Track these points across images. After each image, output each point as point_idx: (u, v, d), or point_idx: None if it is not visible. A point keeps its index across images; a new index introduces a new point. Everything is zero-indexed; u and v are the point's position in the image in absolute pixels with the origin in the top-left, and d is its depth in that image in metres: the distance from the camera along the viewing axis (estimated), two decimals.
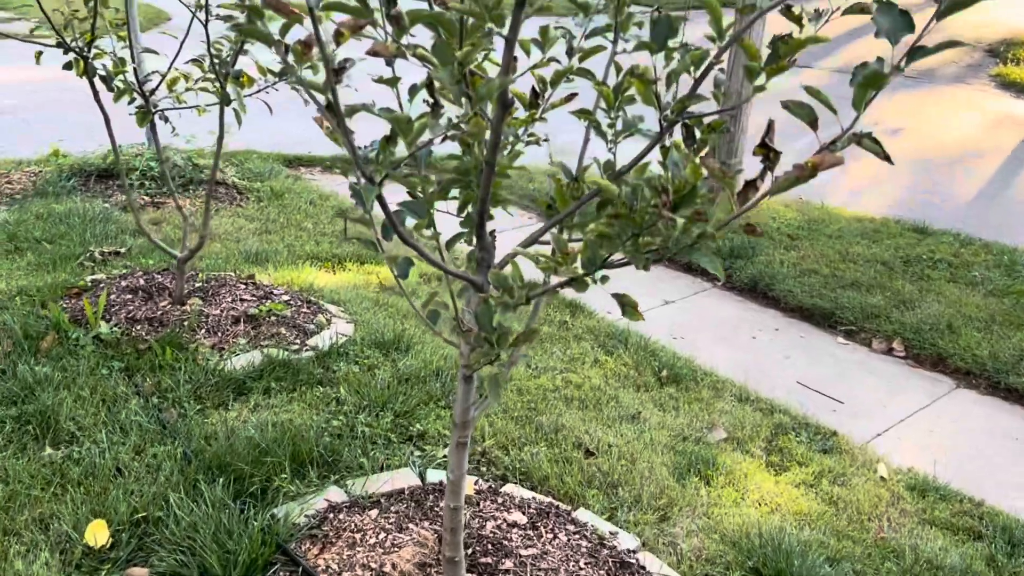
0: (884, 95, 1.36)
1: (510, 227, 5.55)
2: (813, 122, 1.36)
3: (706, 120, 1.73)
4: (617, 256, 1.52)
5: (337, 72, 1.51)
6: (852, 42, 11.70)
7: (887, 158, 1.31)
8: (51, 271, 3.85)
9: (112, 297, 3.47)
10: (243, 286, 3.76)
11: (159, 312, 3.35)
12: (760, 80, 1.55)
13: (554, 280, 1.63)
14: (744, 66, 1.58)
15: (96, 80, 3.17)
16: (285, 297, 3.75)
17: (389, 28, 1.63)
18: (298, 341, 3.38)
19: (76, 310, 3.35)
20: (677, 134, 1.72)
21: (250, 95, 3.30)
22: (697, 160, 1.44)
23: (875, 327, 4.88)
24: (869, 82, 1.24)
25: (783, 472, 3.24)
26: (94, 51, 3.12)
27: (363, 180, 1.56)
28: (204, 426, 2.67)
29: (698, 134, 1.73)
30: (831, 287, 5.27)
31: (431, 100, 1.54)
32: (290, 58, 1.47)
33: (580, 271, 1.55)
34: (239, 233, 5.14)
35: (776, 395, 4.01)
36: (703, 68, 1.62)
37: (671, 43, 1.70)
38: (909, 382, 4.41)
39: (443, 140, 1.49)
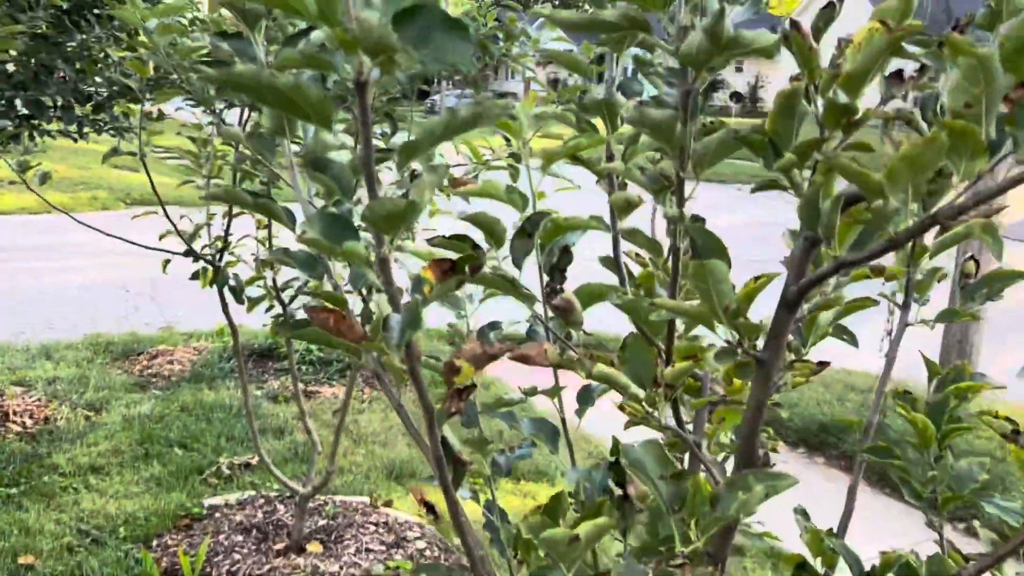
0: None
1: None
2: None
3: None
4: None
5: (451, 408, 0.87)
6: None
7: None
8: (170, 490, 3.41)
9: (221, 537, 2.94)
10: (372, 526, 3.13)
11: (267, 567, 2.76)
12: None
13: None
14: None
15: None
16: (421, 543, 3.08)
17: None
18: None
19: (176, 556, 2.83)
20: None
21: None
22: None
23: None
24: None
25: None
26: (227, 258, 2.74)
27: None
28: None
29: None
30: None
31: (618, 491, 0.84)
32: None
33: None
34: (388, 434, 4.61)
35: None
36: None
37: None
38: None
39: None
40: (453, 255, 1.03)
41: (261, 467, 3.80)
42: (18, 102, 3.54)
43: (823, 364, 1.37)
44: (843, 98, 0.80)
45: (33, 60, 3.43)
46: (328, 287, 0.98)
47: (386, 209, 0.65)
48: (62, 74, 3.43)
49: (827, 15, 0.86)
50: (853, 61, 0.79)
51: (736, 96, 38.21)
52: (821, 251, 0.87)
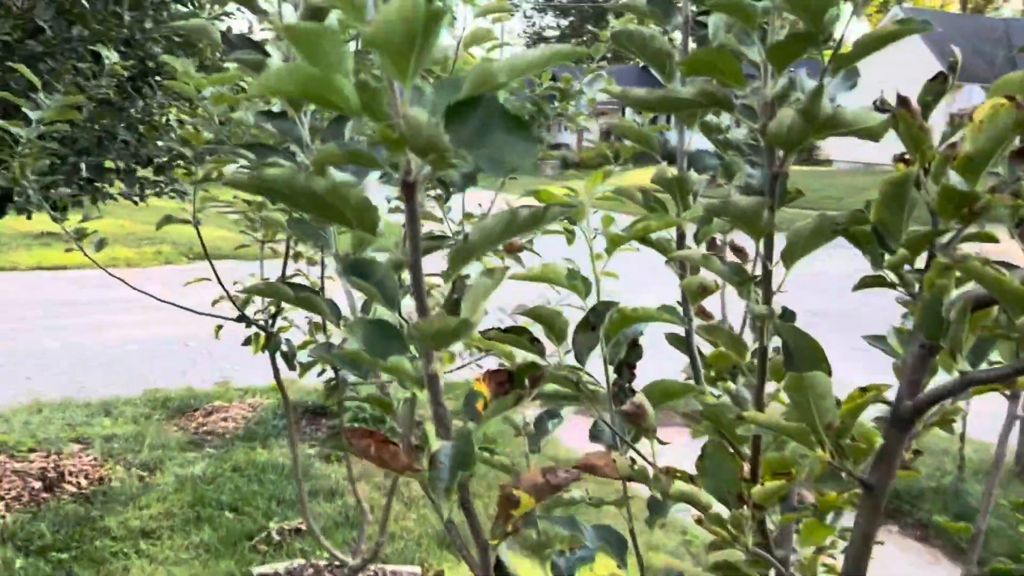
0: None
1: None
2: None
3: None
4: None
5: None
6: None
7: None
8: (219, 556, 3.35)
9: None
10: None
11: None
12: None
13: None
14: None
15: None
16: None
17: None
18: None
19: None
20: None
21: (455, 369, 2.71)
22: None
23: None
24: None
25: None
26: (279, 324, 2.70)
27: None
28: None
29: None
30: None
31: None
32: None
33: None
34: None
35: None
36: None
37: None
38: None
39: None
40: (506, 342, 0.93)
41: (311, 534, 3.72)
42: (82, 166, 3.61)
43: (918, 453, 1.24)
44: (961, 184, 0.69)
45: (96, 125, 3.49)
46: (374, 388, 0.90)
47: (435, 328, 0.56)
48: (124, 139, 3.49)
49: (936, 87, 0.76)
50: (974, 141, 0.68)
51: None
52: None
